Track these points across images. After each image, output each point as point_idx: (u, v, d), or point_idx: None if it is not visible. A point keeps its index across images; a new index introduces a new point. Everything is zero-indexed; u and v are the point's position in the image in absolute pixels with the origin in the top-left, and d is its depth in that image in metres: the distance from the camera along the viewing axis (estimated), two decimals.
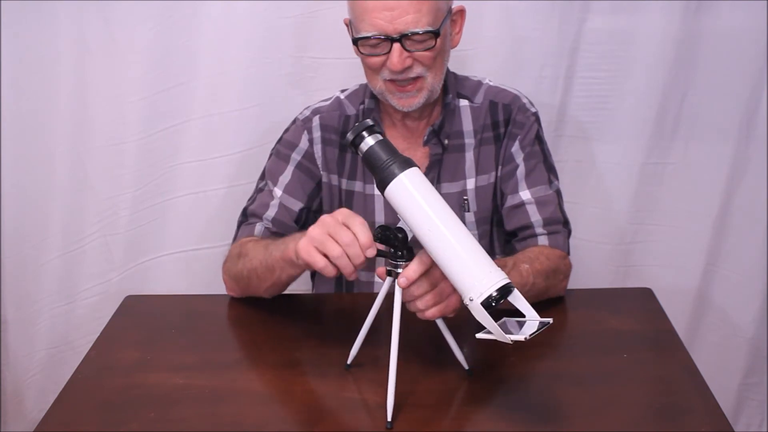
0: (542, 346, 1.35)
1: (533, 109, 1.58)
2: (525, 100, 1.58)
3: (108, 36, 1.85)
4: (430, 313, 1.18)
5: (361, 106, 1.58)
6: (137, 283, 2.03)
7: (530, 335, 1.06)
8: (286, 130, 1.62)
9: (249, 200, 1.60)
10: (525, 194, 1.54)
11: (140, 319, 1.49)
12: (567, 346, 1.37)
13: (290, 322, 1.46)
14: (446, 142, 1.55)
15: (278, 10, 1.85)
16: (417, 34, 1.38)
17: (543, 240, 1.52)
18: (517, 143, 1.55)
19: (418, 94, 1.45)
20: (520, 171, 1.55)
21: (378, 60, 1.42)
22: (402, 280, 1.14)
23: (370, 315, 1.22)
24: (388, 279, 1.17)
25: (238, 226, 1.58)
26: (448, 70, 1.54)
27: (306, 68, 1.90)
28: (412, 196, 1.11)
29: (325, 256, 1.17)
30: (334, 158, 1.58)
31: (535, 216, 1.53)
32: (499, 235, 1.60)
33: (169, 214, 2.00)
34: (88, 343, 1.40)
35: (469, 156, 1.56)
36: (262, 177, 1.61)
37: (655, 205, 1.98)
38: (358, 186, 1.58)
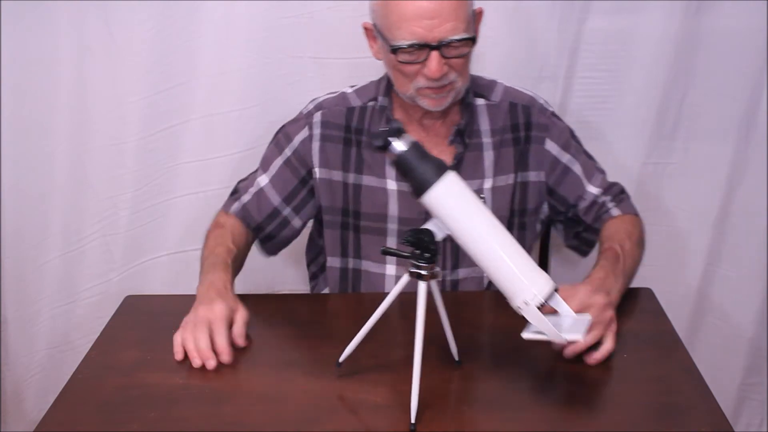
0: (542, 346, 1.34)
1: (550, 108, 1.61)
2: (541, 101, 1.61)
3: (108, 36, 1.85)
4: (609, 346, 1.29)
5: (371, 103, 1.58)
6: (137, 283, 2.03)
7: (583, 334, 1.13)
8: (291, 121, 1.63)
9: (247, 175, 1.66)
10: (592, 189, 1.60)
11: (140, 319, 1.49)
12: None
13: (290, 322, 1.46)
14: (467, 141, 1.55)
15: (278, 10, 1.85)
16: (456, 41, 1.38)
17: (615, 211, 1.58)
18: (554, 144, 1.58)
19: (448, 95, 1.46)
20: (578, 169, 1.60)
21: (414, 68, 1.41)
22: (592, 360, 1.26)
23: (377, 312, 1.20)
24: (405, 278, 1.16)
25: (230, 195, 1.67)
26: None
27: (306, 68, 1.90)
28: (454, 205, 1.11)
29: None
30: (337, 154, 1.58)
31: (609, 202, 1.60)
32: (521, 238, 1.60)
33: (169, 214, 2.00)
34: (88, 343, 1.40)
35: (488, 155, 1.56)
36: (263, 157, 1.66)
37: (655, 205, 1.98)
38: (366, 180, 1.57)
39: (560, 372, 1.28)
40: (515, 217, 1.59)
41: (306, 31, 1.87)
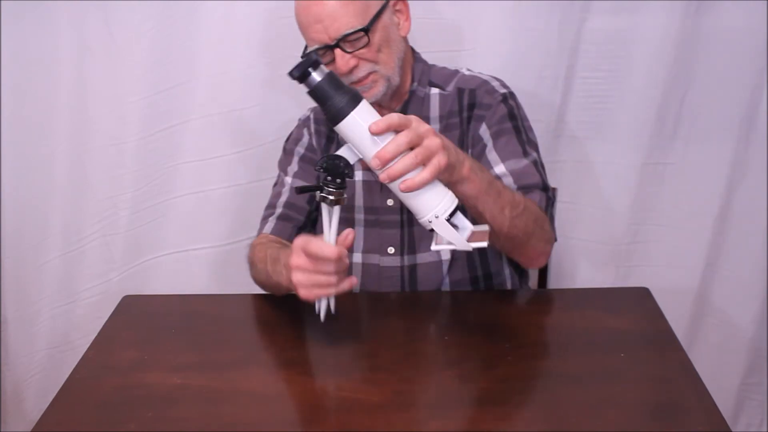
0: (539, 345, 1.35)
1: (502, 90, 1.55)
2: (495, 83, 1.56)
3: (108, 36, 1.85)
4: (419, 178, 1.13)
5: None
6: (137, 283, 2.03)
7: (488, 242, 1.17)
8: (293, 131, 1.67)
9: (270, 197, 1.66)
10: (499, 168, 1.49)
11: (138, 319, 1.49)
12: (564, 345, 1.37)
13: (290, 322, 1.46)
14: None
15: (278, 10, 1.85)
16: (348, 35, 1.42)
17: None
18: (483, 125, 1.53)
19: (375, 85, 1.49)
20: (490, 149, 1.52)
21: (334, 67, 1.46)
22: (373, 127, 1.11)
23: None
24: (336, 210, 1.19)
25: (261, 221, 1.63)
26: (420, 60, 1.57)
27: None
28: (366, 132, 1.12)
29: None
30: (320, 147, 1.63)
31: (510, 185, 1.46)
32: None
33: (169, 214, 2.01)
34: (88, 343, 1.40)
35: None
36: (278, 173, 1.67)
37: (655, 205, 1.98)
38: None
39: (558, 372, 1.28)
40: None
41: None
